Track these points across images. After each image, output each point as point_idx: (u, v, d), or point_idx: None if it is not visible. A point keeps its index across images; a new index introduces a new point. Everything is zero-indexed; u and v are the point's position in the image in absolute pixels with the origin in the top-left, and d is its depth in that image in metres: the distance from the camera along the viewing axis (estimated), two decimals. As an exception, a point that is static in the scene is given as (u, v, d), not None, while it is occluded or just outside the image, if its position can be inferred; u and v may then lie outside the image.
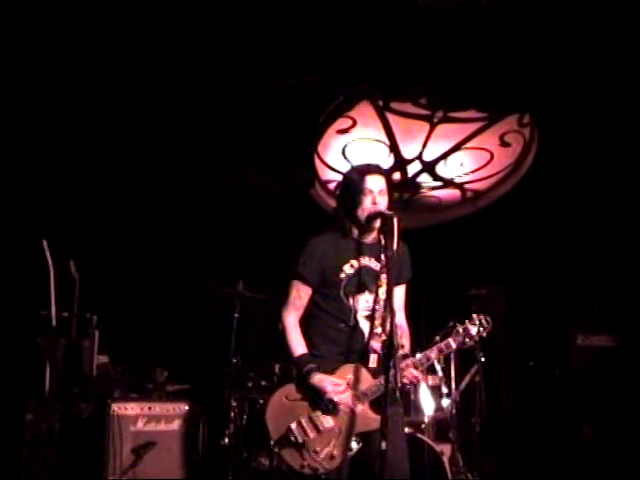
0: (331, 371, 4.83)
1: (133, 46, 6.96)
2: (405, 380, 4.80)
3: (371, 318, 4.87)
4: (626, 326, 8.47)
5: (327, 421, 4.78)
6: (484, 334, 4.98)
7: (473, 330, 4.93)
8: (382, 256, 4.84)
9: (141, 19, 6.69)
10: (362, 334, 4.90)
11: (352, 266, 4.93)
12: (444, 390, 7.18)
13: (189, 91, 7.93)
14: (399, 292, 5.04)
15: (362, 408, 4.78)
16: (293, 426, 4.78)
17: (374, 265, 4.93)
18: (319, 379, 4.77)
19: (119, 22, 6.71)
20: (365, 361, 4.86)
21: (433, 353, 4.90)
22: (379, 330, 4.85)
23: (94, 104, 7.84)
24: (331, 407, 4.76)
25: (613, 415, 8.06)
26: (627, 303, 8.59)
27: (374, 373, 4.83)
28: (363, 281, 4.92)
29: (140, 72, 7.44)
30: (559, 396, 8.62)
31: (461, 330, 4.92)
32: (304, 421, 4.79)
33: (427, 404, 7.01)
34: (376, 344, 4.85)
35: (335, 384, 4.76)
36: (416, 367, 4.85)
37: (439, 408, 7.10)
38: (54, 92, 7.59)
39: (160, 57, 7.08)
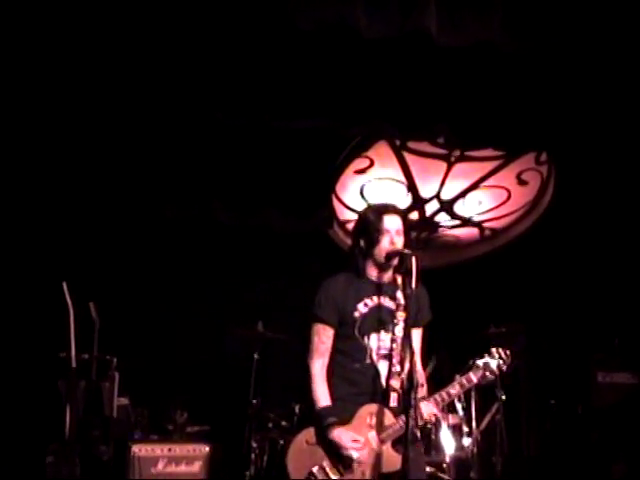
0: (350, 414, 4.78)
1: (155, 91, 7.01)
2: (426, 418, 4.76)
3: (389, 356, 4.84)
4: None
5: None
6: (504, 367, 4.95)
7: (493, 364, 4.91)
8: (398, 294, 4.85)
9: (161, 64, 6.74)
10: (378, 373, 4.85)
11: (366, 305, 4.90)
12: (465, 429, 7.14)
13: (208, 135, 7.99)
14: (416, 335, 4.95)
15: (383, 449, 4.76)
16: (315, 469, 4.74)
17: (389, 304, 4.91)
18: (337, 434, 4.71)
19: (139, 67, 6.76)
20: (386, 401, 4.83)
21: (454, 389, 4.86)
22: (397, 368, 4.84)
23: (115, 147, 7.91)
24: (349, 463, 4.72)
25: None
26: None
27: (395, 412, 4.80)
28: (378, 320, 4.88)
29: (160, 116, 7.50)
30: (583, 435, 8.56)
31: (481, 364, 4.90)
32: (326, 464, 4.76)
33: (448, 443, 6.96)
34: (395, 382, 4.83)
35: (354, 440, 4.72)
36: (437, 404, 4.82)
37: (460, 447, 7.05)
38: (75, 135, 7.65)
39: (180, 101, 7.12)
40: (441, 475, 6.69)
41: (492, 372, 4.91)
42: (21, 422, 7.38)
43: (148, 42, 6.47)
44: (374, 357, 4.87)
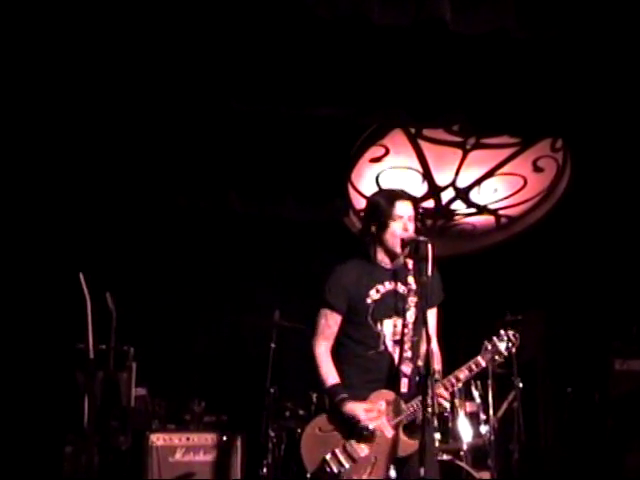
0: (362, 400, 4.80)
1: (169, 79, 7.00)
2: (438, 403, 4.75)
3: (400, 342, 4.87)
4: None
5: (362, 450, 4.77)
6: (513, 349, 4.95)
7: (502, 346, 4.90)
8: (410, 279, 4.91)
9: (176, 51, 6.74)
10: (392, 359, 4.89)
11: (378, 291, 4.92)
12: (482, 417, 7.12)
13: (223, 123, 7.98)
14: (430, 316, 4.97)
15: (393, 434, 4.76)
16: (328, 457, 4.77)
17: (401, 289, 4.94)
18: (351, 407, 4.75)
19: (155, 55, 6.76)
20: (396, 386, 4.84)
21: (463, 373, 4.85)
22: (409, 354, 4.85)
23: (131, 137, 7.92)
24: (366, 433, 4.74)
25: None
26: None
27: (406, 398, 4.81)
28: (390, 305, 4.91)
29: (174, 105, 7.49)
30: (600, 423, 8.55)
31: (490, 347, 4.90)
32: (339, 451, 4.77)
33: (465, 431, 6.95)
34: (406, 368, 4.84)
35: (368, 410, 4.74)
36: (446, 388, 4.81)
37: (477, 435, 7.03)
38: (91, 126, 7.67)
39: (194, 89, 7.12)
40: (458, 462, 6.68)
41: (500, 354, 4.91)
42: (39, 413, 7.41)
43: (164, 29, 6.46)
44: (388, 344, 4.90)
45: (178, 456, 7.09)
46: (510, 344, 4.92)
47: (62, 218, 8.06)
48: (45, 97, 7.17)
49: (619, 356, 8.61)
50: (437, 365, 4.92)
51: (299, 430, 7.00)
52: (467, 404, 7.07)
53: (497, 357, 4.91)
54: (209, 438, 7.21)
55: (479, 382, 7.27)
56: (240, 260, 9.07)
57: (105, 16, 6.27)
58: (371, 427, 4.72)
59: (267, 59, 6.90)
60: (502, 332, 4.94)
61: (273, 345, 7.43)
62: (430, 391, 4.43)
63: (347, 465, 4.74)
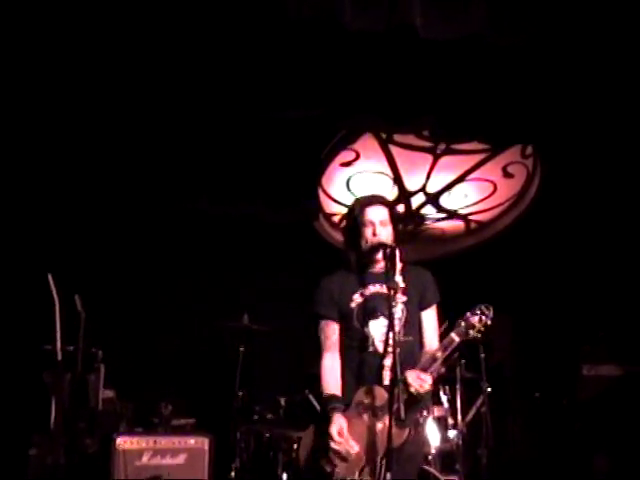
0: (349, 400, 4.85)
1: (138, 81, 7.01)
2: (416, 387, 4.68)
3: (385, 339, 4.85)
4: (633, 355, 8.46)
5: (352, 448, 4.75)
6: (488, 322, 4.81)
7: (474, 319, 4.79)
8: (397, 279, 4.90)
9: (147, 54, 6.74)
10: (382, 357, 4.88)
11: (362, 294, 4.96)
12: (450, 421, 7.15)
13: (193, 125, 7.97)
14: (427, 316, 5.05)
15: (382, 426, 4.73)
16: (322, 462, 4.76)
17: (384, 291, 4.91)
18: (335, 418, 4.75)
19: (131, 59, 6.77)
20: (380, 379, 4.84)
21: (439, 352, 4.78)
22: (390, 349, 4.84)
23: (100, 139, 7.89)
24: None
25: (628, 445, 8.03)
26: (633, 332, 8.57)
27: (388, 389, 4.76)
28: (376, 307, 4.92)
29: (146, 108, 7.50)
30: (568, 427, 8.60)
31: (462, 323, 4.81)
32: (330, 453, 4.75)
33: (433, 435, 6.97)
34: (388, 361, 4.84)
35: (339, 433, 4.71)
36: (424, 370, 4.76)
37: (445, 439, 7.06)
38: (68, 129, 7.65)
39: (165, 92, 7.12)
40: (426, 467, 6.69)
41: (474, 327, 4.76)
42: (6, 414, 7.36)
43: (136, 35, 6.46)
44: (378, 345, 4.91)
45: (145, 459, 7.02)
46: (483, 317, 4.82)
47: (31, 219, 8.01)
48: (31, 103, 7.17)
49: (587, 361, 8.66)
50: (436, 353, 4.90)
51: (267, 434, 7.05)
52: (435, 408, 7.08)
53: (471, 331, 4.79)
54: (177, 441, 7.15)
55: (447, 387, 7.30)
56: (210, 262, 9.05)
57: (92, 25, 6.29)
58: (332, 446, 4.72)
59: (237, 62, 6.90)
60: (475, 307, 4.87)
61: (242, 348, 7.42)
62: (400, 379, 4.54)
63: (339, 464, 4.73)
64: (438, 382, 7.21)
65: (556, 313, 9.29)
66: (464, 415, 7.34)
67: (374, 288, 4.98)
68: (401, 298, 4.94)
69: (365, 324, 4.93)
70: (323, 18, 5.81)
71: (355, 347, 4.95)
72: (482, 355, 7.39)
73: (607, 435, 8.22)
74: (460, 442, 7.12)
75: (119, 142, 7.98)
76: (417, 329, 4.92)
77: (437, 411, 7.11)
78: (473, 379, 7.44)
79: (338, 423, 4.74)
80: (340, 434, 4.72)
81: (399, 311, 4.91)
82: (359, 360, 4.93)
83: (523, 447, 9.04)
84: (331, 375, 4.96)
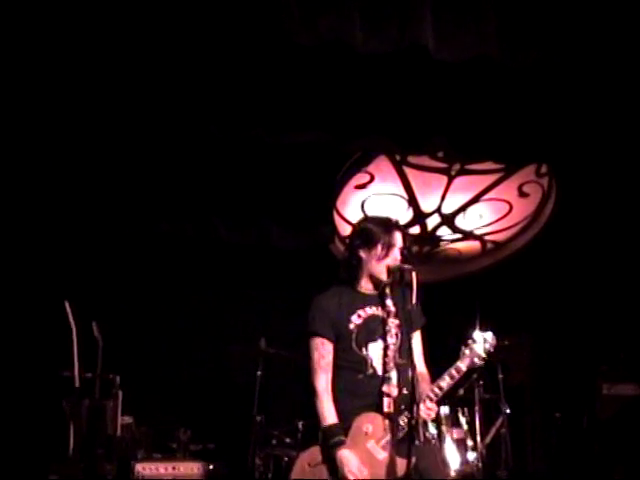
0: (349, 425, 4.79)
1: (150, 105, 7.00)
2: (423, 416, 4.72)
3: (383, 363, 4.85)
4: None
5: (362, 473, 4.70)
6: (491, 349, 4.91)
7: (478, 348, 4.86)
8: (388, 302, 4.94)
9: (155, 77, 6.73)
10: (381, 382, 4.87)
11: (360, 316, 4.94)
12: (469, 443, 7.12)
13: (207, 150, 7.98)
14: (415, 339, 5.02)
15: (385, 456, 4.72)
16: None
17: (381, 313, 4.95)
18: (345, 457, 4.70)
19: (133, 81, 6.75)
20: (380, 406, 4.81)
21: (444, 381, 4.81)
22: (393, 375, 4.83)
23: (114, 165, 7.90)
24: None
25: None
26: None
27: (389, 417, 4.78)
28: (374, 329, 4.92)
29: (158, 131, 7.49)
30: (588, 447, 8.54)
31: (467, 351, 4.87)
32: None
33: (453, 458, 6.94)
34: (387, 388, 4.83)
35: (359, 469, 4.68)
36: (431, 400, 4.78)
37: (465, 462, 7.03)
38: (74, 152, 7.65)
39: (176, 115, 7.11)
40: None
41: (479, 356, 4.86)
42: (25, 441, 7.38)
43: (141, 56, 6.44)
44: (376, 367, 4.89)
45: (164, 485, 7.03)
46: (487, 345, 4.89)
47: (48, 246, 8.05)
48: (28, 124, 7.17)
49: (607, 380, 8.62)
50: (426, 385, 4.90)
51: (286, 458, 7.03)
52: (454, 431, 7.06)
53: (476, 360, 4.86)
54: (195, 467, 7.15)
55: (466, 408, 7.27)
56: (225, 287, 9.06)
57: (78, 45, 6.27)
58: None
59: (250, 85, 6.91)
60: (476, 335, 4.90)
61: (259, 373, 7.41)
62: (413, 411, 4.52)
63: None
64: (456, 404, 7.22)
65: (575, 332, 9.25)
66: (483, 437, 7.30)
67: (370, 310, 4.98)
68: (393, 321, 4.94)
69: (364, 346, 4.90)
70: (334, 41, 5.80)
71: (350, 368, 4.91)
72: (500, 376, 7.37)
73: (625, 453, 8.16)
74: (480, 464, 7.09)
75: (131, 167, 7.99)
76: (409, 352, 4.84)
77: (456, 433, 7.09)
78: (492, 400, 7.41)
79: (350, 463, 4.68)
80: (360, 471, 4.69)
81: (393, 336, 4.91)
82: (356, 382, 4.89)
83: (543, 468, 8.99)
84: (329, 401, 4.88)
